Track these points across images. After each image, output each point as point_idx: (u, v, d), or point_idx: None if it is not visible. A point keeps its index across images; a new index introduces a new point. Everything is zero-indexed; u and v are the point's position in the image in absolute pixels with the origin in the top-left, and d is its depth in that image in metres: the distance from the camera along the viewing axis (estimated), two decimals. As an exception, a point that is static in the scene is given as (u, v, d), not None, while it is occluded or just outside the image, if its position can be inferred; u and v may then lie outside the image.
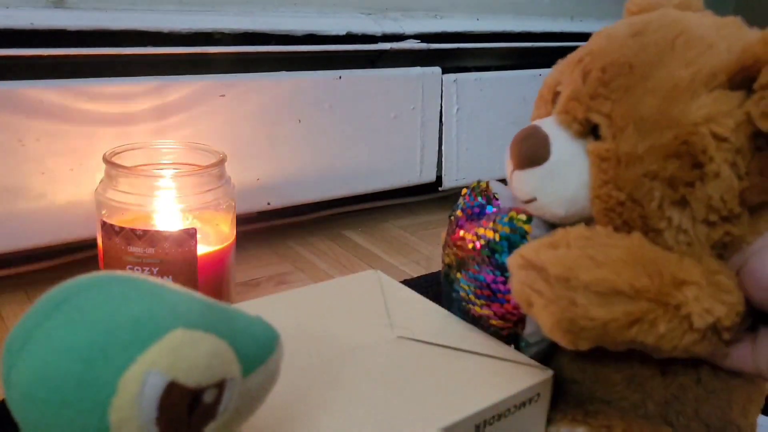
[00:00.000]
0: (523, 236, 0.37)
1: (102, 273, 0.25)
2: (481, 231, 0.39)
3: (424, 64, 0.83)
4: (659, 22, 0.33)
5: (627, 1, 0.40)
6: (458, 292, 0.41)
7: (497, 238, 0.38)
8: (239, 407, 0.26)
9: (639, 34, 0.33)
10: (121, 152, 0.54)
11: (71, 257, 0.65)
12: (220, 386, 0.24)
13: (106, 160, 0.52)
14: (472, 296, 0.40)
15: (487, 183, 0.41)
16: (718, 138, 0.30)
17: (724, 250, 0.32)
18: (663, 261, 0.31)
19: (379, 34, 0.79)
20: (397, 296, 0.44)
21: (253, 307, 0.42)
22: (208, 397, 0.24)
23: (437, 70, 0.84)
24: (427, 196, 0.92)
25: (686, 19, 0.33)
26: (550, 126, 0.35)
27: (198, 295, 0.26)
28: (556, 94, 0.37)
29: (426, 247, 0.79)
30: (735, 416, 0.36)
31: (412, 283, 0.49)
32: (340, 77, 0.75)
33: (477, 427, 0.33)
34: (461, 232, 0.40)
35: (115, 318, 0.23)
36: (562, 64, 0.38)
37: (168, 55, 0.65)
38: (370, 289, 0.45)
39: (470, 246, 0.39)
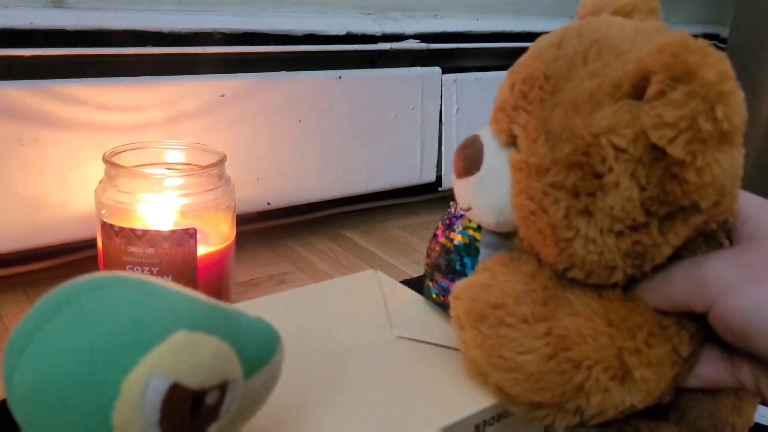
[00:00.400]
0: (473, 243, 0.38)
1: (103, 274, 0.25)
2: (443, 240, 0.40)
3: (424, 64, 0.83)
4: (578, 31, 0.33)
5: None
6: (431, 300, 0.42)
7: (452, 247, 0.39)
8: (242, 408, 0.26)
9: (557, 45, 0.33)
10: (120, 152, 0.54)
11: (71, 257, 0.65)
12: (222, 388, 0.24)
13: (106, 160, 0.52)
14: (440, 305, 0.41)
15: None
16: (617, 149, 0.30)
17: (641, 260, 0.32)
18: (572, 371, 0.31)
19: (379, 34, 0.79)
20: (396, 296, 0.44)
21: (253, 307, 0.42)
22: (210, 399, 0.24)
23: (437, 70, 0.84)
24: (426, 196, 0.92)
25: (605, 27, 0.33)
26: (486, 136, 0.36)
27: (200, 296, 0.26)
28: None
29: (425, 246, 0.79)
30: (727, 415, 0.36)
31: (411, 283, 0.49)
32: (340, 77, 0.75)
33: (476, 427, 0.33)
34: (431, 244, 0.41)
35: (117, 320, 0.23)
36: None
37: (168, 55, 0.65)
38: (369, 289, 0.45)
39: (435, 256, 0.40)
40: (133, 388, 0.22)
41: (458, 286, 0.36)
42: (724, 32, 1.15)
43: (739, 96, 0.28)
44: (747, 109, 0.29)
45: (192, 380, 0.23)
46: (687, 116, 0.27)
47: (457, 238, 0.39)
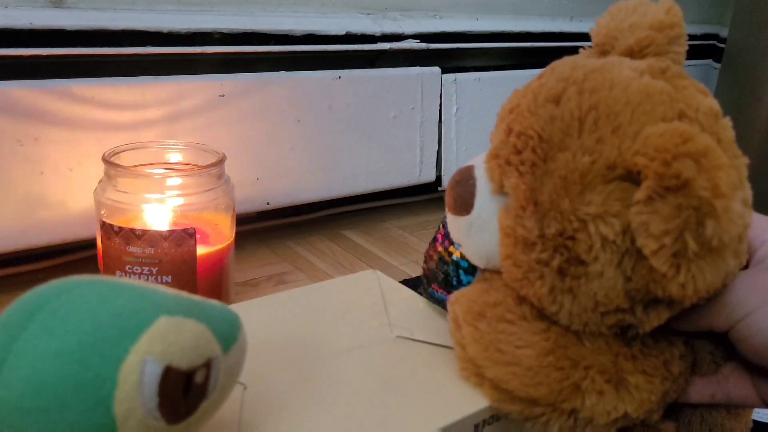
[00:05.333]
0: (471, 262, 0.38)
1: (64, 279, 0.25)
2: (441, 250, 0.40)
3: (424, 64, 0.83)
4: (579, 88, 0.31)
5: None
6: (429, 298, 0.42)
7: (450, 261, 0.39)
8: (223, 384, 0.27)
9: (554, 101, 0.31)
10: (120, 152, 0.54)
11: (71, 257, 0.65)
12: (207, 366, 0.25)
13: (105, 160, 0.52)
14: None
15: None
16: (604, 239, 0.29)
17: (627, 330, 0.31)
18: (569, 369, 0.31)
19: (379, 34, 0.79)
20: (395, 296, 0.44)
21: (252, 307, 0.42)
22: (199, 378, 0.25)
23: (436, 70, 0.84)
24: (426, 196, 0.92)
25: (608, 87, 0.30)
26: (480, 174, 0.35)
27: (163, 287, 0.27)
28: None
29: (425, 247, 0.79)
30: (722, 420, 0.36)
31: (411, 283, 0.49)
32: (340, 77, 0.75)
33: (476, 427, 0.33)
34: (431, 249, 0.41)
35: (97, 316, 0.23)
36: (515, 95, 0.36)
37: (167, 55, 0.65)
38: (368, 288, 0.45)
39: (432, 265, 0.40)
40: (130, 377, 0.23)
41: (456, 293, 0.36)
42: (724, 32, 1.15)
43: (733, 211, 0.26)
44: (746, 109, 0.29)
45: (182, 361, 0.24)
46: (673, 230, 0.26)
47: (456, 254, 0.39)
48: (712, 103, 0.32)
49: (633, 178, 0.29)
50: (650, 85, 0.31)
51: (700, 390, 0.34)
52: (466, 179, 0.35)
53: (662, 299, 0.30)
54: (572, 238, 0.29)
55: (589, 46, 0.37)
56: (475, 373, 0.34)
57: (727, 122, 0.31)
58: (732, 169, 0.27)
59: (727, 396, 0.34)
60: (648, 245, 0.27)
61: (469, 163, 0.36)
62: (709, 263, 0.27)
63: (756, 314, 0.30)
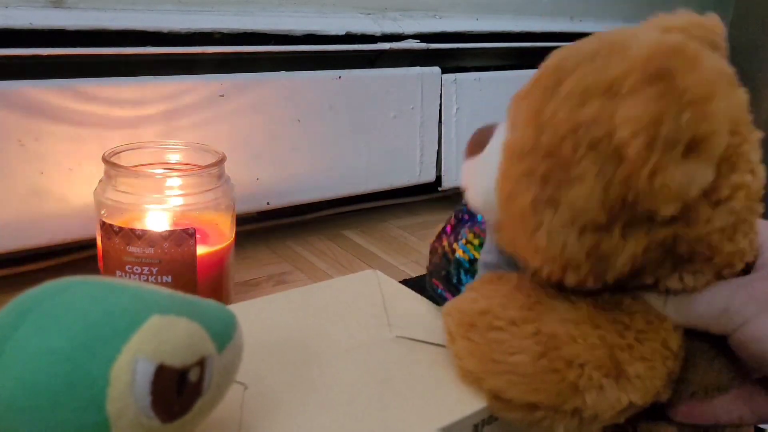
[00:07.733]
0: (473, 263, 0.38)
1: (57, 281, 0.26)
2: (446, 244, 0.40)
3: (424, 64, 0.83)
4: (608, 33, 0.33)
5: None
6: (435, 299, 0.43)
7: (452, 259, 0.39)
8: (219, 383, 0.27)
9: (583, 42, 0.33)
10: (120, 152, 0.54)
11: (71, 257, 0.65)
12: (201, 364, 0.25)
13: (105, 160, 0.52)
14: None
15: None
16: (590, 143, 0.29)
17: (604, 264, 0.31)
18: (564, 369, 0.31)
19: (379, 34, 0.79)
20: (395, 296, 0.44)
21: (252, 307, 0.42)
22: (192, 376, 0.25)
23: (436, 69, 0.84)
24: (426, 196, 0.92)
25: (632, 35, 0.31)
26: (502, 123, 0.36)
27: (157, 287, 0.27)
28: None
29: (425, 247, 0.79)
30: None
31: (411, 283, 0.49)
32: (340, 77, 0.75)
33: (475, 427, 0.33)
34: (437, 242, 0.41)
35: (89, 316, 0.23)
36: None
37: (167, 55, 0.65)
38: (368, 288, 0.45)
39: (436, 259, 0.40)
40: (122, 376, 0.23)
41: (448, 304, 0.36)
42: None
43: (720, 110, 0.27)
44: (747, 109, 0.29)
45: (175, 360, 0.24)
46: (650, 114, 0.27)
47: (459, 252, 0.39)
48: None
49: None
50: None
51: (728, 410, 0.34)
52: (487, 127, 0.36)
53: (644, 220, 0.29)
54: (561, 142, 0.30)
55: None
56: (476, 382, 0.34)
57: None
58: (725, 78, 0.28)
59: (758, 416, 0.34)
60: (624, 130, 0.27)
61: None
62: (687, 162, 0.27)
63: (752, 323, 0.30)
